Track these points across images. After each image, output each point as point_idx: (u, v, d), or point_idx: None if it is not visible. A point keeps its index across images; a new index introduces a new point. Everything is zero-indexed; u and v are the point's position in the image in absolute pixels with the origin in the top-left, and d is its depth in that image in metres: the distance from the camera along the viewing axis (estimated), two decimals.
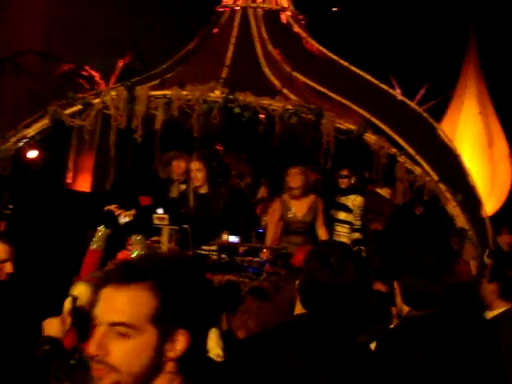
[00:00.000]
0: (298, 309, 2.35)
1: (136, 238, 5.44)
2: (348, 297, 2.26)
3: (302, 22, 7.98)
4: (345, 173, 6.98)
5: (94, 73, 7.22)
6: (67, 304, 3.63)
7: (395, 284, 2.82)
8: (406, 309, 2.75)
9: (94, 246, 5.31)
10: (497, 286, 3.70)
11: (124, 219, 5.89)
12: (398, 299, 2.79)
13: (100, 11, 9.56)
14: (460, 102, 9.22)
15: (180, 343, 1.46)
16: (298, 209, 6.70)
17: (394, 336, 2.76)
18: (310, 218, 6.67)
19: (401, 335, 2.69)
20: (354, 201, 6.96)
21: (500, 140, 9.07)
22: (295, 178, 6.59)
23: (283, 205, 6.73)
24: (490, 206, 8.08)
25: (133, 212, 6.09)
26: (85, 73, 7.18)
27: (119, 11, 9.88)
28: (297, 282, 2.38)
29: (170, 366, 1.47)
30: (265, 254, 6.29)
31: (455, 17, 10.03)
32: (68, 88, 7.02)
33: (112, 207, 5.93)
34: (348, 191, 7.01)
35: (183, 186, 6.78)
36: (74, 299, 3.66)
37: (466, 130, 9.02)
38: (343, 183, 7.03)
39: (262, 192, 7.61)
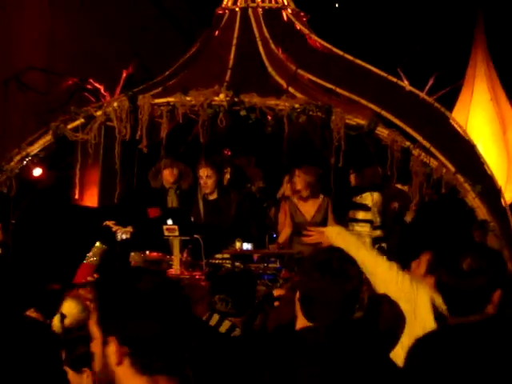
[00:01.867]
0: (301, 322, 2.17)
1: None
2: (352, 304, 2.09)
3: (304, 19, 7.82)
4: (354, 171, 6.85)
5: (98, 85, 7.08)
6: (56, 322, 3.58)
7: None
8: None
9: (89, 260, 5.35)
10: None
11: (122, 236, 5.84)
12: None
13: (100, 21, 9.47)
14: (470, 89, 9.00)
15: None
16: (306, 210, 6.54)
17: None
18: (319, 218, 6.49)
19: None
20: (372, 198, 6.76)
21: None
22: (300, 180, 6.42)
23: (291, 206, 6.57)
24: (509, 194, 7.87)
25: (130, 229, 6.02)
26: (89, 86, 7.04)
27: (118, 21, 9.79)
28: (297, 294, 2.21)
29: None
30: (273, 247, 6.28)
31: (462, 2, 9.83)
32: (74, 103, 6.91)
33: (109, 223, 5.86)
34: (362, 189, 6.83)
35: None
36: (63, 317, 3.61)
37: (479, 118, 8.81)
38: (354, 182, 6.89)
39: (285, 188, 7.39)
